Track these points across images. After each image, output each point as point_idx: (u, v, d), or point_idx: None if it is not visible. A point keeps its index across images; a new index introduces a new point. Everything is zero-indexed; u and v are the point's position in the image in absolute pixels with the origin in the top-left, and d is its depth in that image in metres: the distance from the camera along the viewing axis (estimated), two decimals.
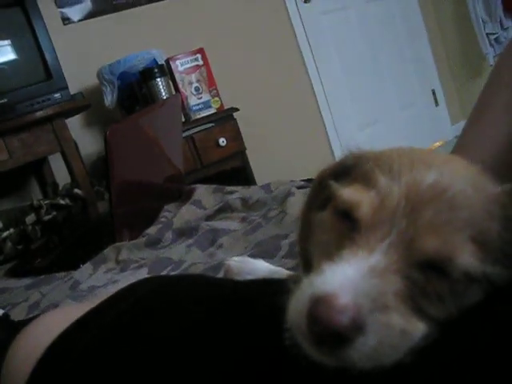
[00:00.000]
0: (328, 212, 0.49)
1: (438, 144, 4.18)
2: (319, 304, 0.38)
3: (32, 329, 0.68)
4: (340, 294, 0.38)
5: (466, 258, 0.41)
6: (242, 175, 3.03)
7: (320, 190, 0.54)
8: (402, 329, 0.40)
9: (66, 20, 3.11)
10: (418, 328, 0.41)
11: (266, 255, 1.23)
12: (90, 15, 3.17)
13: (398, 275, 0.41)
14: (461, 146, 0.91)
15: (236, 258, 0.84)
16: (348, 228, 0.45)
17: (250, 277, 0.77)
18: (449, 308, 0.42)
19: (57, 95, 2.44)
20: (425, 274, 0.41)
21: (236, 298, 0.55)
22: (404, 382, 0.39)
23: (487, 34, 4.10)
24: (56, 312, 0.72)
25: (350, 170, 0.50)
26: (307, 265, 0.52)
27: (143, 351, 0.52)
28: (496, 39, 4.12)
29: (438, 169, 0.45)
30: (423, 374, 0.39)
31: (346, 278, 0.40)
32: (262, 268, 0.81)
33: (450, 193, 0.43)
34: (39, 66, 2.45)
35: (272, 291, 0.43)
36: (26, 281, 1.72)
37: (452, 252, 0.41)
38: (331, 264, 0.41)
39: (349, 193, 0.46)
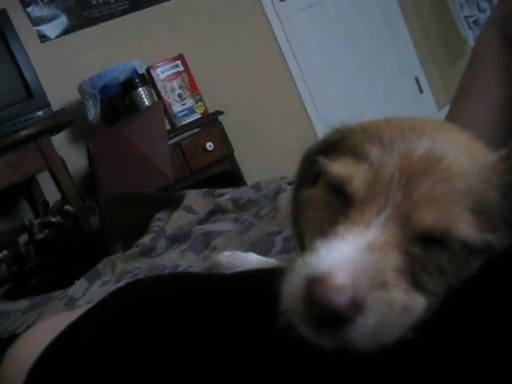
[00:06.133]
0: (318, 188, 0.47)
1: None
2: (315, 284, 0.36)
3: (26, 337, 0.66)
4: (337, 272, 0.36)
5: (465, 228, 0.40)
6: (232, 178, 3.01)
7: (308, 167, 0.52)
8: (402, 305, 0.38)
9: (42, 37, 3.09)
10: (419, 303, 0.39)
11: (261, 252, 1.20)
12: (66, 31, 3.15)
13: (397, 250, 0.39)
14: (450, 120, 0.91)
15: (226, 253, 0.82)
16: (341, 203, 0.43)
17: (240, 270, 0.75)
18: (449, 281, 0.41)
19: (39, 113, 2.41)
20: (424, 248, 0.40)
21: (225, 287, 0.53)
22: (408, 357, 0.37)
23: (465, 17, 4.09)
24: (48, 320, 0.70)
25: (337, 144, 0.48)
26: (303, 245, 0.50)
27: (141, 347, 0.50)
28: (474, 21, 4.12)
29: (430, 137, 0.43)
30: (426, 348, 0.37)
31: (343, 255, 0.38)
32: (252, 260, 0.79)
33: (445, 162, 0.41)
34: (19, 85, 2.42)
35: (264, 276, 0.42)
36: (23, 303, 1.68)
37: (450, 223, 0.39)
38: (325, 241, 0.39)
39: (339, 167, 0.44)
